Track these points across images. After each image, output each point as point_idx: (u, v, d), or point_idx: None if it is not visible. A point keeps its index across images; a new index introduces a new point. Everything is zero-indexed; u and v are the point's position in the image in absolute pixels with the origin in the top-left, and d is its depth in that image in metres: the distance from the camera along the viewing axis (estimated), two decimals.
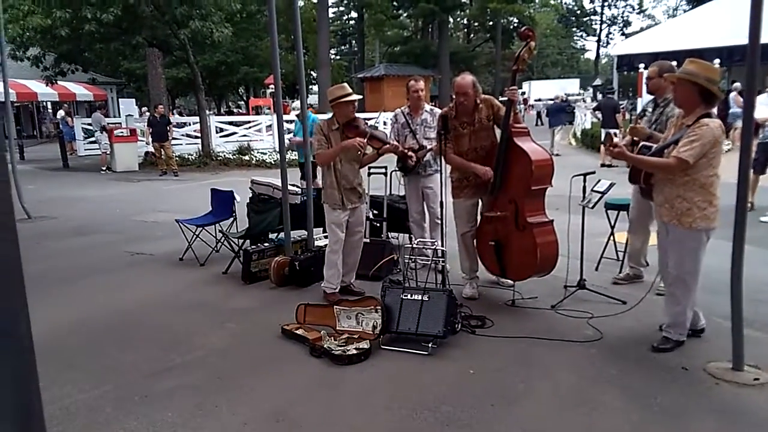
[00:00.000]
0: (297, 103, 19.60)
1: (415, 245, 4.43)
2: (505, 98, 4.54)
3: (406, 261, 4.40)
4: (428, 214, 5.63)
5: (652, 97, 4.92)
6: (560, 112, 18.39)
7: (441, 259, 4.39)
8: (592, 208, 4.68)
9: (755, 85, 3.39)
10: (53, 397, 3.44)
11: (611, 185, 4.60)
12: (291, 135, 9.55)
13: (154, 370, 3.78)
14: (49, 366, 3.87)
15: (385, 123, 19.92)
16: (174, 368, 3.81)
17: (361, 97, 4.88)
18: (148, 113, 19.06)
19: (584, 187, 4.78)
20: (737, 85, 16.64)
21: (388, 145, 4.75)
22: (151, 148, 16.24)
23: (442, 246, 4.53)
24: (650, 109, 4.84)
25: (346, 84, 4.90)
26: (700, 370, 3.50)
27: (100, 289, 5.60)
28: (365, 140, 4.60)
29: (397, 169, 5.69)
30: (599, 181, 4.77)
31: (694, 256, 3.67)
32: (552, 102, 20.74)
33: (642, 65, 16.51)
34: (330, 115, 4.93)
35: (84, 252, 7.10)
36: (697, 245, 3.65)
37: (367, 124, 4.93)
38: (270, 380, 3.62)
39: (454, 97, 4.69)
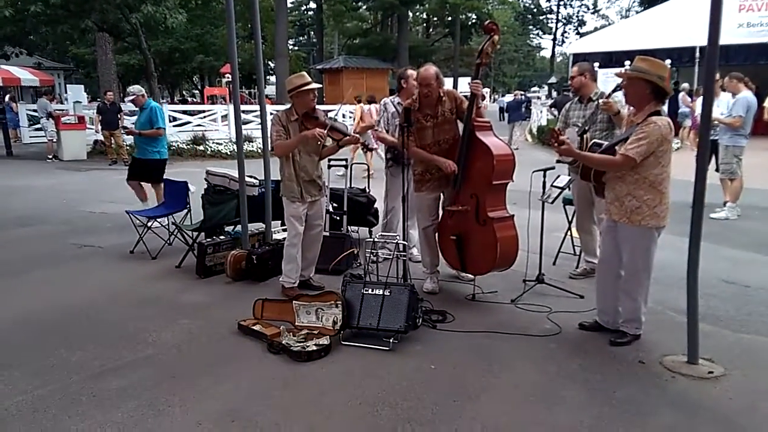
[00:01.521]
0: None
1: (376, 239, 4.36)
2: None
3: (367, 255, 4.33)
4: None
5: (570, 100, 5.19)
6: (518, 108, 18.68)
7: (403, 253, 4.33)
8: (552, 203, 4.72)
9: (713, 85, 3.44)
10: None
11: (570, 181, 4.64)
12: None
13: (102, 369, 3.60)
14: None
15: (344, 115, 19.79)
16: (124, 366, 3.64)
17: (321, 86, 4.77)
18: (98, 100, 18.38)
19: (544, 183, 4.81)
20: (685, 85, 17.19)
21: (348, 137, 4.66)
22: (100, 137, 15.66)
23: (404, 239, 4.47)
24: (577, 111, 5.04)
25: (305, 73, 4.78)
26: (656, 364, 3.55)
27: (45, 283, 5.33)
28: (325, 131, 4.49)
29: (387, 159, 5.62)
30: (558, 176, 4.80)
31: (645, 253, 3.72)
32: (512, 98, 21.03)
33: (597, 64, 16.88)
34: (288, 106, 4.80)
35: (27, 244, 6.76)
36: (647, 243, 3.70)
37: (326, 115, 4.82)
38: (225, 378, 3.49)
39: (417, 88, 4.64)
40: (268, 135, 4.96)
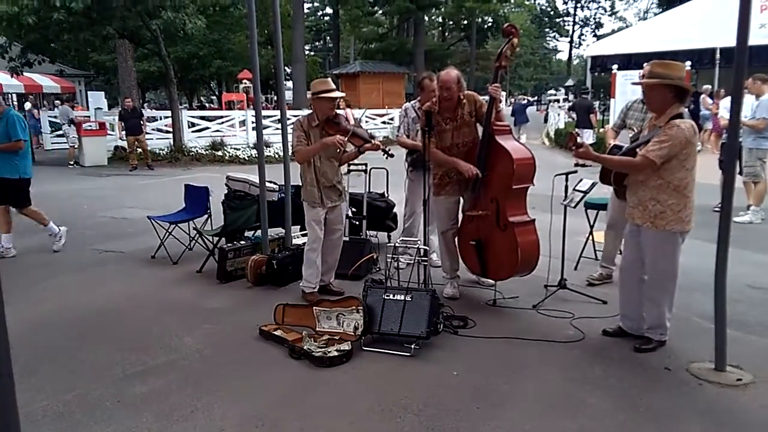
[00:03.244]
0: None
1: (397, 244, 4.35)
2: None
3: (388, 260, 4.32)
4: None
5: (633, 99, 4.97)
6: (523, 112, 18.75)
7: (424, 258, 4.31)
8: (575, 207, 4.67)
9: (742, 87, 3.38)
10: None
11: (593, 185, 4.59)
12: None
13: (126, 374, 3.63)
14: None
15: (367, 120, 19.85)
16: (147, 371, 3.66)
17: (344, 94, 4.78)
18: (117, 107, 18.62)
19: (566, 187, 4.76)
20: (707, 87, 16.96)
21: (369, 144, 4.66)
22: (121, 143, 15.87)
23: (425, 244, 4.45)
24: (638, 113, 4.80)
25: (329, 79, 4.77)
26: (682, 371, 3.50)
27: (68, 288, 5.40)
28: (346, 138, 4.49)
29: (407, 162, 5.62)
30: (581, 180, 4.75)
31: (669, 258, 3.66)
32: (517, 102, 21.07)
33: (615, 66, 16.72)
34: (309, 111, 4.81)
35: (50, 249, 6.84)
36: (672, 248, 3.65)
37: (348, 120, 4.83)
38: (248, 383, 3.50)
39: (437, 92, 4.62)
40: (289, 140, 4.98)
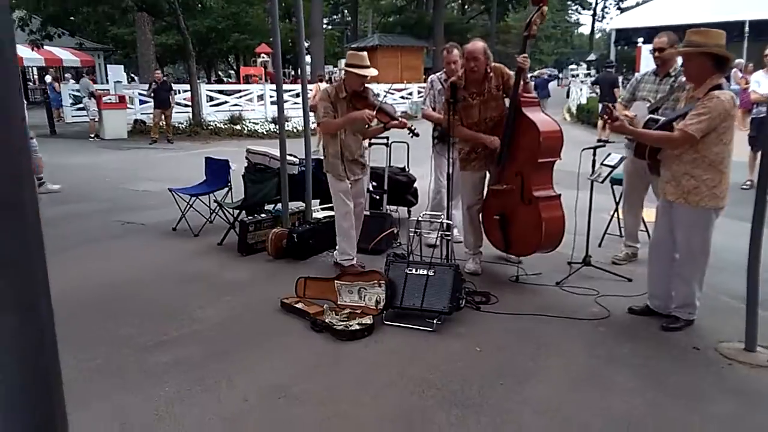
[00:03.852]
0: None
1: (420, 218, 4.29)
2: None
3: (411, 234, 4.27)
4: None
5: (644, 72, 4.84)
6: (545, 87, 18.39)
7: (447, 233, 4.26)
8: (602, 182, 4.56)
9: None
10: None
11: (622, 159, 4.47)
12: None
13: (149, 344, 3.65)
14: None
15: (392, 93, 19.63)
16: (170, 342, 3.68)
17: (376, 72, 4.64)
18: (137, 80, 18.60)
19: (594, 161, 4.66)
20: (740, 61, 16.49)
21: (395, 121, 4.57)
22: (142, 116, 15.92)
23: (448, 219, 4.39)
24: (650, 84, 4.68)
25: (365, 54, 4.59)
26: (711, 350, 3.43)
27: (90, 259, 5.43)
28: (374, 113, 4.41)
29: (434, 137, 5.48)
30: (609, 154, 4.64)
31: (702, 235, 3.56)
32: (540, 77, 20.69)
33: (641, 40, 16.35)
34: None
35: (72, 221, 6.89)
36: (705, 224, 3.54)
37: (375, 95, 4.74)
38: (270, 355, 3.50)
39: (464, 64, 4.51)
40: (312, 112, 4.91)
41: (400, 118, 4.56)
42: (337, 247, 4.86)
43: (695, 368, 3.23)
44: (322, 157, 6.66)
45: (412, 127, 4.58)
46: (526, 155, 4.39)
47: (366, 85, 4.59)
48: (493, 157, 4.49)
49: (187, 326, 3.92)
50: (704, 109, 3.33)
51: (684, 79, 4.51)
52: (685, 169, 3.48)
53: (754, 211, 3.28)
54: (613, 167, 4.46)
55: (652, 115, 3.88)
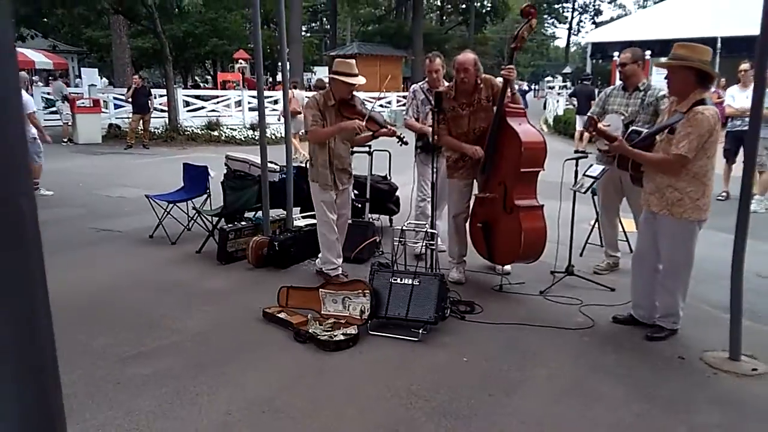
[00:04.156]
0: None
1: (404, 227, 4.26)
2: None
3: (395, 243, 4.23)
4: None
5: (612, 86, 4.94)
6: (523, 98, 18.54)
7: (431, 242, 4.23)
8: (585, 193, 4.58)
9: (765, 76, 3.27)
10: None
11: (604, 170, 4.49)
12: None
13: (126, 355, 3.54)
14: None
15: (382, 105, 19.66)
16: (148, 353, 3.57)
17: (364, 81, 4.59)
18: (110, 84, 18.31)
19: (576, 172, 4.68)
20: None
21: (384, 129, 4.53)
22: (116, 121, 15.65)
23: (432, 228, 4.36)
24: (620, 98, 4.76)
25: (353, 62, 4.55)
26: (696, 360, 3.44)
27: (65, 267, 5.26)
28: (364, 123, 4.37)
29: (418, 147, 5.30)
30: (591, 165, 4.66)
31: (686, 247, 3.59)
32: (519, 88, 20.89)
33: (616, 53, 16.61)
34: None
35: (45, 228, 6.49)
36: (689, 236, 3.57)
37: (363, 103, 4.69)
38: (253, 367, 3.42)
39: (454, 75, 4.51)
40: (289, 119, 4.84)
41: (389, 126, 4.52)
42: (320, 256, 4.78)
43: (681, 378, 3.24)
44: (302, 164, 6.64)
45: (401, 136, 4.55)
46: (508, 165, 4.40)
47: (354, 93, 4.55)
48: (480, 165, 4.49)
49: (165, 337, 3.81)
50: (690, 128, 3.36)
51: (660, 93, 4.61)
52: (669, 182, 3.51)
53: (737, 221, 3.32)
54: (596, 178, 4.49)
55: (635, 127, 3.91)
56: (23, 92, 8.59)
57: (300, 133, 12.00)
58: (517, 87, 4.62)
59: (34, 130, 8.28)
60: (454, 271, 4.81)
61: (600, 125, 3.67)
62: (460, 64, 4.38)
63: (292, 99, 11.38)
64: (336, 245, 4.68)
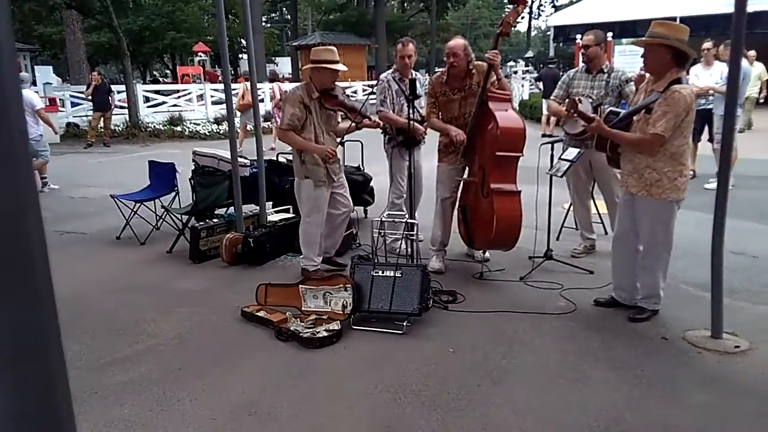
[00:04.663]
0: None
1: (384, 218, 4.18)
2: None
3: (375, 236, 4.15)
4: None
5: (575, 69, 4.94)
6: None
7: (411, 233, 4.17)
8: (561, 176, 4.57)
9: (740, 55, 3.29)
10: None
11: (580, 153, 4.49)
12: None
13: (101, 362, 3.40)
14: None
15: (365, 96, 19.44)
16: (124, 359, 3.44)
17: (346, 68, 4.47)
18: (66, 82, 17.69)
19: (552, 156, 4.67)
20: None
21: (368, 120, 4.44)
22: (74, 119, 15.14)
23: (412, 218, 4.30)
24: (584, 81, 4.77)
25: (335, 49, 4.40)
26: (680, 340, 3.47)
27: None
28: (335, 151, 4.35)
29: (396, 143, 4.95)
30: (567, 149, 4.65)
31: (665, 227, 3.60)
32: None
33: (579, 36, 16.76)
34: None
35: None
36: (668, 216, 3.58)
37: (345, 93, 4.57)
38: (235, 369, 3.31)
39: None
40: (262, 112, 4.70)
41: (372, 118, 4.44)
42: (302, 255, 4.65)
43: (667, 359, 3.26)
44: (273, 158, 6.50)
45: (386, 127, 4.47)
46: (486, 148, 4.38)
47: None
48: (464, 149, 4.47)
49: (141, 341, 3.68)
50: (667, 107, 3.36)
51: (624, 76, 4.63)
52: (647, 162, 3.51)
53: (716, 200, 3.35)
54: (573, 161, 4.48)
55: (612, 109, 3.91)
56: (30, 91, 8.65)
57: (248, 127, 11.80)
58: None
59: (41, 127, 8.47)
60: (434, 259, 4.77)
61: (579, 106, 3.65)
62: (450, 49, 4.38)
63: (245, 92, 11.14)
64: (318, 243, 4.56)
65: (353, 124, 4.45)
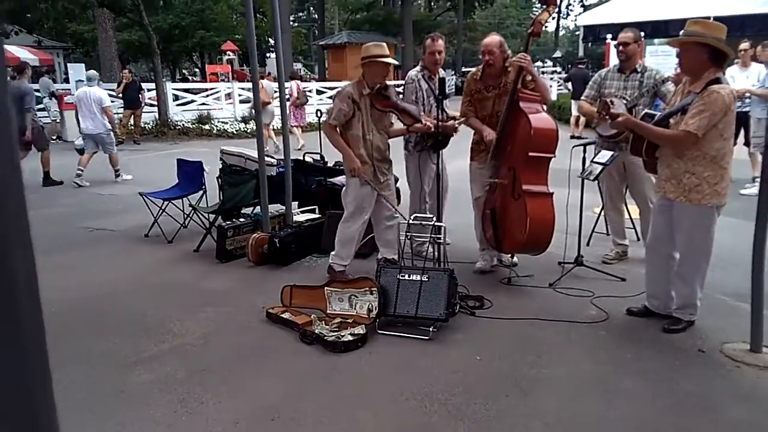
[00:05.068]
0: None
1: (411, 221, 4.12)
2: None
3: (402, 238, 4.10)
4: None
5: (606, 69, 4.82)
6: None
7: (438, 236, 4.10)
8: (594, 180, 4.46)
9: None
10: None
11: (614, 156, 4.37)
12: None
13: (127, 362, 3.41)
14: None
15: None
16: (150, 359, 3.44)
17: (397, 63, 4.46)
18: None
19: (584, 159, 4.56)
20: None
21: (420, 124, 4.38)
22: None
23: (440, 221, 4.23)
24: (616, 81, 4.65)
25: (384, 44, 4.41)
26: (717, 352, 3.34)
27: (57, 269, 5.09)
28: (363, 168, 4.28)
29: (424, 146, 4.83)
30: (600, 152, 4.54)
31: (704, 234, 3.47)
32: None
33: (609, 36, 16.44)
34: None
35: (36, 228, 6.42)
36: (708, 223, 3.45)
37: (398, 94, 4.52)
38: (259, 371, 3.29)
39: (481, 57, 4.45)
40: (285, 110, 4.66)
41: (424, 121, 4.37)
42: (333, 252, 4.59)
43: (703, 372, 3.14)
44: (300, 158, 6.49)
45: (440, 131, 4.37)
46: (517, 149, 4.28)
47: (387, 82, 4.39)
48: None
49: (167, 341, 3.68)
50: (703, 106, 3.24)
51: (659, 75, 4.51)
52: (686, 167, 3.39)
53: (758, 208, 3.21)
54: (606, 164, 4.36)
55: (648, 111, 3.79)
56: (98, 88, 9.09)
57: (272, 125, 11.84)
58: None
59: (109, 123, 9.07)
60: (480, 259, 4.74)
61: (612, 108, 3.55)
62: (486, 47, 4.32)
63: (261, 90, 11.17)
64: (354, 243, 4.51)
65: (405, 126, 4.42)
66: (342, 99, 4.29)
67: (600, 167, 4.37)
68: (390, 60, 4.31)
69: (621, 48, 4.61)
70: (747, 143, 7.56)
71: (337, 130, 4.33)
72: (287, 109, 6.70)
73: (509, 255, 4.78)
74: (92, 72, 10.18)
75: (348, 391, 3.07)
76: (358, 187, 4.38)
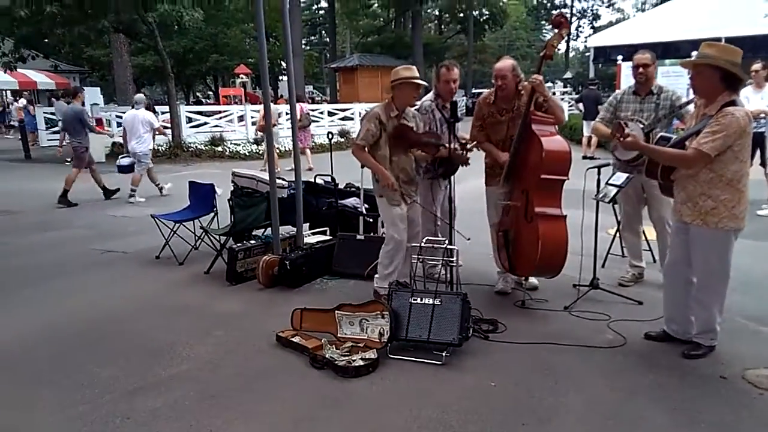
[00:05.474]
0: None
1: (423, 244, 4.07)
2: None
3: (413, 261, 4.04)
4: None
5: (621, 91, 4.77)
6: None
7: (451, 259, 4.04)
8: (609, 202, 4.40)
9: None
10: (19, 420, 3.00)
11: (629, 179, 4.31)
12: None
13: (135, 386, 3.36)
14: (13, 382, 3.42)
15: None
16: (158, 384, 3.39)
17: (426, 84, 4.48)
18: (113, 102, 18.22)
19: (598, 181, 4.50)
20: None
21: (443, 150, 4.36)
22: (119, 139, 15.49)
23: (452, 244, 4.18)
24: (633, 104, 4.60)
25: (414, 67, 4.45)
26: (739, 379, 3.24)
27: (68, 291, 5.10)
28: (395, 183, 4.31)
29: (435, 174, 4.76)
30: (614, 173, 4.48)
31: (722, 258, 3.39)
32: None
33: (620, 57, 16.43)
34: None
35: (49, 250, 6.55)
36: (725, 247, 3.37)
37: (417, 128, 4.47)
38: (269, 396, 3.23)
39: (493, 82, 4.42)
40: (288, 133, 4.65)
41: (446, 147, 4.33)
42: (377, 275, 4.55)
43: (726, 400, 3.03)
44: (311, 179, 6.48)
45: (467, 158, 4.37)
46: (530, 171, 4.23)
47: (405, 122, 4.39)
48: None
49: (175, 365, 3.63)
50: (718, 127, 3.19)
51: (676, 96, 4.46)
52: (702, 190, 3.32)
53: None
54: (621, 186, 4.30)
55: (663, 134, 3.74)
56: (144, 110, 9.76)
57: (277, 148, 11.88)
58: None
59: (150, 145, 9.79)
60: (500, 281, 4.70)
61: (626, 129, 3.50)
62: (498, 71, 4.30)
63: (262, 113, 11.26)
64: (395, 267, 4.45)
65: (429, 156, 4.45)
66: (369, 120, 4.32)
67: (615, 189, 4.31)
68: (420, 81, 4.31)
69: (641, 70, 4.53)
70: (763, 164, 7.45)
71: (366, 150, 4.34)
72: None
73: (524, 278, 4.70)
74: (140, 96, 10.46)
75: (360, 417, 2.99)
76: (387, 206, 4.40)
